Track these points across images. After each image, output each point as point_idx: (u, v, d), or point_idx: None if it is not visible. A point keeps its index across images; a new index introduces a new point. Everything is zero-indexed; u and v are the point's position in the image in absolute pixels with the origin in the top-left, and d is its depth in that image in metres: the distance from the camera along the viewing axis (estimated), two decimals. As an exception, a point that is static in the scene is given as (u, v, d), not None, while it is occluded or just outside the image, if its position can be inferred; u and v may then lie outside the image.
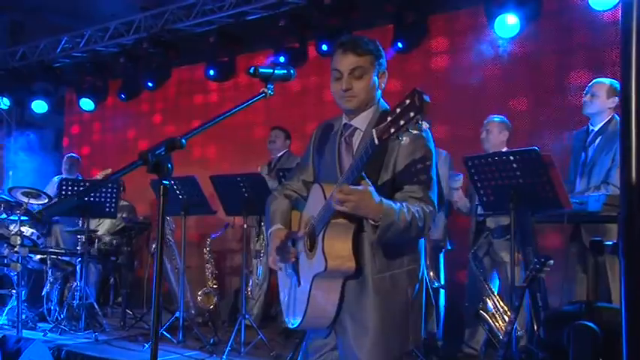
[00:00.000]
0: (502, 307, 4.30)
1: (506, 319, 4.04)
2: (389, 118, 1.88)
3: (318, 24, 6.48)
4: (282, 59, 6.79)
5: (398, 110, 1.86)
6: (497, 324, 4.24)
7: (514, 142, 4.74)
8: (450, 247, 4.90)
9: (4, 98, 8.91)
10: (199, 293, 5.87)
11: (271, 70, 1.98)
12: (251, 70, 1.91)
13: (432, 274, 4.45)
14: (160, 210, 1.53)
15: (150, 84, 7.71)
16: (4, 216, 5.99)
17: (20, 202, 5.80)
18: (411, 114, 1.83)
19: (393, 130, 1.87)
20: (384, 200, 2.10)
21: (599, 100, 4.15)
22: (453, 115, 5.82)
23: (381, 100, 2.40)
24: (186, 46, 7.58)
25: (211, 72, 7.38)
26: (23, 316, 5.76)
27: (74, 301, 5.83)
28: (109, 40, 7.97)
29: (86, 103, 8.47)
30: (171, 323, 5.32)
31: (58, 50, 8.46)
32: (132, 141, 8.65)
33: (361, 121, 2.35)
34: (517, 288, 3.59)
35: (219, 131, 7.60)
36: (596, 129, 4.20)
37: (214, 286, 5.90)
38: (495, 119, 4.72)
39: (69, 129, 9.57)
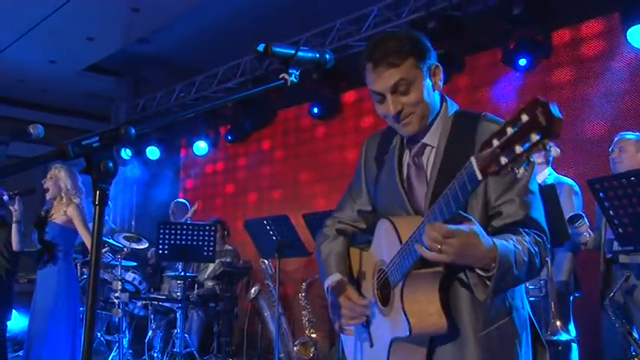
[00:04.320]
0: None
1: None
2: (496, 143, 1.28)
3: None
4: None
5: (510, 131, 1.25)
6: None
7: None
8: (578, 294, 4.07)
9: (126, 149, 9.26)
10: (296, 343, 5.44)
11: (292, 51, 1.51)
12: (260, 48, 1.45)
13: (558, 323, 3.66)
14: (96, 226, 1.11)
15: (255, 125, 7.66)
16: (109, 259, 6.00)
17: (123, 246, 5.79)
18: (533, 137, 1.20)
19: (505, 162, 1.26)
20: (497, 241, 1.53)
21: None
22: (581, 142, 5.06)
23: (448, 100, 1.84)
24: (290, 85, 7.40)
25: (315, 109, 7.15)
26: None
27: (174, 349, 5.64)
28: (218, 86, 8.06)
29: (199, 148, 8.60)
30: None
31: (173, 99, 8.71)
32: (241, 187, 8.59)
33: (430, 135, 1.80)
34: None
35: (330, 170, 7.30)
36: None
37: (312, 336, 5.44)
38: (630, 136, 3.99)
39: (184, 173, 9.76)
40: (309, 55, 1.56)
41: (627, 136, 4.00)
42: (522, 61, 5.42)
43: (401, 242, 1.66)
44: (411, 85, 1.72)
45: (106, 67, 9.11)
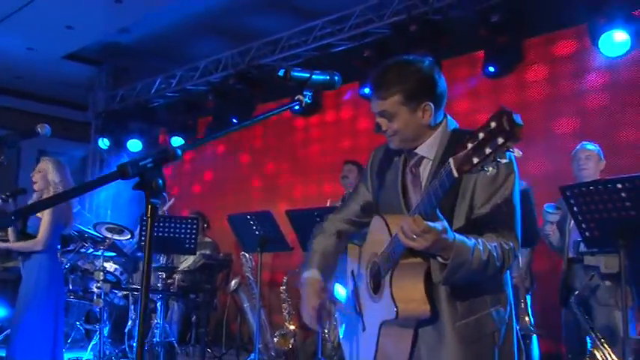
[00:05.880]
0: (615, 362, 3.68)
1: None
2: (470, 145, 1.53)
3: (404, 53, 6.19)
4: (367, 90, 6.58)
5: (481, 136, 1.50)
6: (608, 381, 3.63)
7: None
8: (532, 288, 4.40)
9: (104, 139, 9.24)
10: (275, 334, 5.61)
11: (308, 75, 1.68)
12: (281, 73, 1.62)
13: (527, 319, 3.92)
14: (147, 236, 1.26)
15: (235, 120, 7.72)
16: (90, 250, 6.06)
17: (105, 237, 5.85)
18: (499, 140, 1.46)
19: (476, 161, 1.51)
20: (457, 236, 1.79)
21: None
22: (552, 148, 5.32)
23: (449, 118, 2.06)
24: (272, 81, 7.54)
25: (296, 107, 7.26)
26: (107, 352, 5.75)
27: (154, 339, 5.74)
28: (199, 79, 8.12)
29: (177, 142, 8.60)
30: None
31: (153, 91, 8.73)
32: (220, 176, 8.67)
33: (427, 149, 2.03)
34: (631, 340, 3.03)
35: (308, 162, 7.45)
36: None
37: (291, 327, 5.61)
38: (593, 147, 4.28)
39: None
40: (321, 77, 1.74)
41: (590, 147, 4.28)
42: (491, 69, 5.69)
43: (391, 235, 1.91)
44: (394, 117, 1.97)
45: (85, 55, 9.06)
